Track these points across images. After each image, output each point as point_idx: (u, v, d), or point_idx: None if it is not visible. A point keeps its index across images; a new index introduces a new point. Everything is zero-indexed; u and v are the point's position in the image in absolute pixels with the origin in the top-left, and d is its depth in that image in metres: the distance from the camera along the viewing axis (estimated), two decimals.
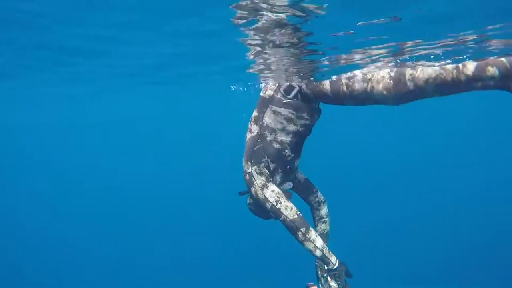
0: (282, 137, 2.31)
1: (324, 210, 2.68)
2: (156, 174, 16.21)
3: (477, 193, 10.99)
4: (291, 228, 2.14)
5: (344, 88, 2.11)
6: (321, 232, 2.64)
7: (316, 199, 2.67)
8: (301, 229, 2.13)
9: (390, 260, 9.58)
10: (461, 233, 9.74)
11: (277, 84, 2.40)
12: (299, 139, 2.40)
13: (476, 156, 13.47)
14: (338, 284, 2.26)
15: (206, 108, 11.95)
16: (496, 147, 13.57)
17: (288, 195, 2.35)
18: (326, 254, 2.17)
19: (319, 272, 2.49)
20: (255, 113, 2.40)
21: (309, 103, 2.36)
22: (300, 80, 3.14)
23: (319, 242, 2.16)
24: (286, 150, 2.35)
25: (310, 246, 2.12)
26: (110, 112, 11.05)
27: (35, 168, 16.62)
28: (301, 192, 2.66)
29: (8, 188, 14.71)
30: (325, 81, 2.27)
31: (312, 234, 2.15)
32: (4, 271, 9.61)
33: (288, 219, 2.16)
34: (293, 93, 2.30)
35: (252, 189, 2.26)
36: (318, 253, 2.15)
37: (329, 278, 2.32)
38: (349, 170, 13.89)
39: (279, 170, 2.37)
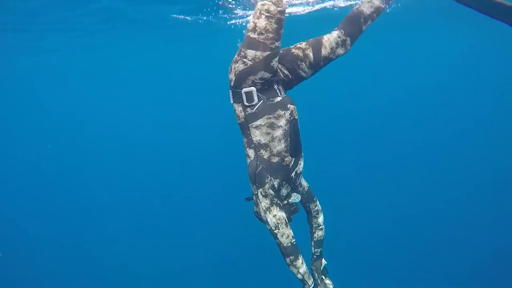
0: (277, 147, 2.32)
1: (321, 218, 2.83)
2: None
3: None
4: (283, 253, 2.38)
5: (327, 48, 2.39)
6: (318, 238, 2.83)
7: (316, 208, 2.80)
8: (290, 256, 2.38)
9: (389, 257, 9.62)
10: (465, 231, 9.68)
11: (240, 102, 2.33)
12: (293, 138, 2.38)
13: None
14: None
15: None
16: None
17: (295, 208, 2.53)
18: (305, 279, 2.46)
19: (316, 275, 2.78)
20: (244, 139, 2.40)
21: (273, 95, 2.33)
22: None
23: (302, 269, 2.43)
24: (286, 159, 2.36)
25: (294, 270, 2.42)
26: None
27: None
28: (303, 199, 2.75)
29: None
30: (301, 47, 2.42)
31: (299, 262, 2.41)
32: None
33: (282, 245, 2.36)
34: (255, 97, 2.27)
35: (258, 208, 2.38)
36: (299, 276, 2.44)
37: (323, 277, 2.77)
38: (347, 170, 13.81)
39: (283, 182, 2.42)
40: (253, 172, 2.33)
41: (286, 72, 2.41)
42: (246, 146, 2.39)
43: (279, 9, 2.14)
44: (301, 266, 2.41)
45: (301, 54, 2.39)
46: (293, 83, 2.51)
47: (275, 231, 2.32)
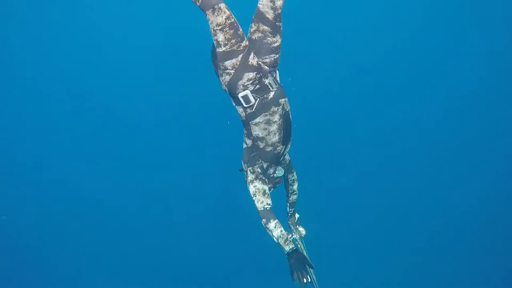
0: (272, 139, 2.64)
1: (295, 186, 3.26)
2: None
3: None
4: (258, 216, 2.69)
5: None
6: (292, 201, 3.31)
7: (292, 178, 3.19)
8: (263, 219, 2.66)
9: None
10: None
11: (240, 104, 2.57)
12: (285, 130, 2.65)
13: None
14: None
15: None
16: None
17: (279, 180, 2.96)
18: (281, 243, 2.68)
19: (292, 227, 3.37)
20: (244, 131, 2.72)
21: (266, 92, 2.52)
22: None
23: (276, 232, 2.65)
24: (278, 148, 2.70)
25: (269, 233, 2.67)
26: None
27: None
28: (284, 170, 3.12)
29: None
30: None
31: (271, 225, 2.65)
32: None
33: (257, 209, 2.69)
34: (251, 98, 2.47)
35: (246, 179, 2.78)
36: (275, 240, 2.67)
37: (297, 226, 3.37)
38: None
39: (272, 164, 2.83)
40: (248, 155, 2.75)
41: (266, 60, 2.54)
42: (245, 136, 2.74)
43: (224, 17, 2.29)
44: (275, 230, 2.64)
45: (260, 34, 2.50)
46: (276, 59, 2.63)
47: (253, 198, 2.71)
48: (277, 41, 2.52)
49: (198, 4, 2.30)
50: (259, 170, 2.76)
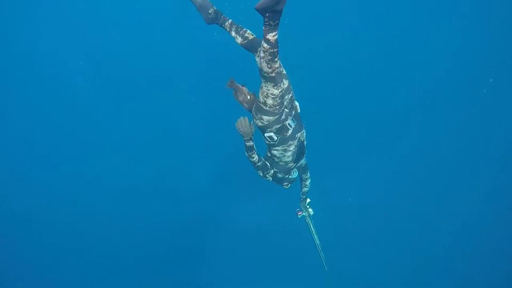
0: (286, 159, 3.41)
1: (308, 182, 4.12)
2: None
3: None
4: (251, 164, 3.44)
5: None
6: (304, 191, 4.20)
7: (305, 176, 4.08)
8: (248, 152, 3.34)
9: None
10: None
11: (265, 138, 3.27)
12: (297, 154, 3.42)
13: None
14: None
15: None
16: None
17: (294, 179, 3.83)
18: (250, 160, 3.38)
19: (302, 207, 4.23)
20: (267, 148, 3.43)
21: (286, 131, 3.20)
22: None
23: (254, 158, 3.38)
24: (289, 164, 3.51)
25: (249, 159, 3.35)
26: None
27: None
28: (299, 171, 3.97)
29: None
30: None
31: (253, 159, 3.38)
32: None
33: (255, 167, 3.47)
34: (274, 137, 3.19)
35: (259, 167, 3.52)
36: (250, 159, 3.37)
37: (307, 207, 4.21)
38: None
39: (282, 172, 3.62)
40: (264, 163, 3.48)
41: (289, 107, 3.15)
42: (266, 151, 3.48)
43: (279, 91, 2.87)
44: (253, 158, 3.39)
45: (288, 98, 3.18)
46: (296, 105, 3.30)
47: (257, 171, 3.51)
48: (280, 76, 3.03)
49: (271, 75, 2.76)
50: (271, 172, 3.55)
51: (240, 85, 3.10)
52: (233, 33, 3.08)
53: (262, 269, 9.66)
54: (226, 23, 3.10)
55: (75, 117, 8.72)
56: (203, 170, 9.25)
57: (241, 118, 3.17)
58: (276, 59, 2.65)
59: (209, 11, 3.14)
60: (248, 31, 3.06)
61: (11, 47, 7.99)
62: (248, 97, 3.07)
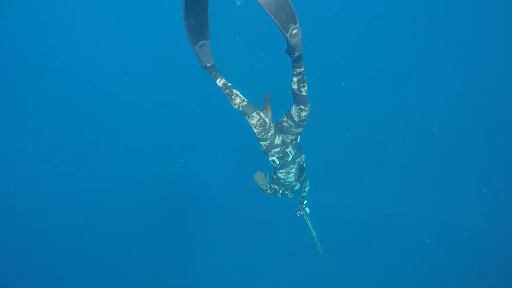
0: (289, 180, 4.02)
1: (307, 189, 4.74)
2: None
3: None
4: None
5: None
6: (303, 195, 4.77)
7: (304, 185, 4.65)
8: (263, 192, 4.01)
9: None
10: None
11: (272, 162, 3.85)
12: (298, 175, 4.04)
13: None
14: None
15: None
16: None
17: (296, 190, 4.38)
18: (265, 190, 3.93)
19: (300, 207, 4.80)
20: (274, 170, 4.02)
21: (287, 157, 3.80)
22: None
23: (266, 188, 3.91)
24: (293, 183, 4.11)
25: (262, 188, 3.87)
26: None
27: None
28: (300, 182, 4.48)
29: None
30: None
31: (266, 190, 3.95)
32: None
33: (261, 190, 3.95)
34: (277, 161, 3.79)
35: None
36: (265, 189, 3.90)
37: (304, 207, 4.77)
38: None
39: (286, 189, 4.21)
40: (274, 189, 4.07)
41: (289, 137, 3.64)
42: (273, 174, 4.03)
43: (255, 120, 3.46)
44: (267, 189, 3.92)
45: (287, 124, 3.57)
46: (297, 134, 3.69)
47: (263, 192, 3.95)
48: (299, 130, 3.60)
49: (239, 111, 3.40)
50: (275, 187, 4.11)
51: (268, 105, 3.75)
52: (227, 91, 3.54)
53: (262, 267, 9.77)
54: (226, 85, 3.49)
55: (76, 116, 8.84)
56: (203, 169, 9.37)
57: (258, 173, 3.74)
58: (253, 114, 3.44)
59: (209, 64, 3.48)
60: (239, 94, 3.46)
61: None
62: (267, 119, 3.61)
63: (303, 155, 3.89)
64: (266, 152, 3.66)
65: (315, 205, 5.03)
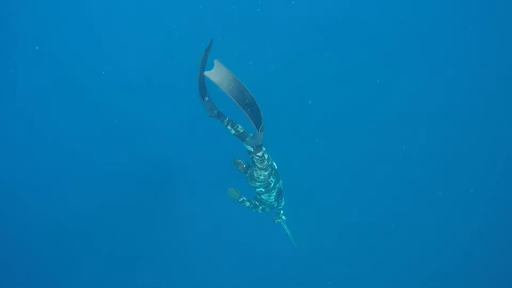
0: (269, 200, 4.69)
1: (283, 203, 5.05)
2: None
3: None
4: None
5: None
6: (279, 208, 5.05)
7: (281, 199, 4.99)
8: (241, 204, 4.62)
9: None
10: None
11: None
12: (278, 196, 4.72)
13: None
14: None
15: None
16: None
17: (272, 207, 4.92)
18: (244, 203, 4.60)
19: (277, 215, 5.13)
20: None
21: (269, 187, 4.51)
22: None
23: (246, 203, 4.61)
24: (272, 202, 4.78)
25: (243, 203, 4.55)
26: None
27: None
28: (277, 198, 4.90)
29: None
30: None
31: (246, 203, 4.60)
32: None
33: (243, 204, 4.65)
34: (262, 190, 4.49)
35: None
36: (245, 202, 4.56)
37: (281, 215, 5.09)
38: None
39: (265, 207, 4.83)
40: (254, 204, 4.68)
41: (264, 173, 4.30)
42: (255, 195, 4.68)
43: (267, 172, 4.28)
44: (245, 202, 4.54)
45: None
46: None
47: (242, 204, 4.56)
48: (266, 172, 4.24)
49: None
50: (257, 203, 4.69)
51: (240, 161, 4.42)
52: (228, 127, 4.10)
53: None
54: (225, 120, 4.08)
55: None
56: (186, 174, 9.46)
57: (230, 188, 4.35)
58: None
59: (214, 111, 4.11)
60: (240, 126, 4.10)
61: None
62: (244, 166, 4.38)
63: (281, 181, 4.54)
64: (257, 187, 4.41)
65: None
